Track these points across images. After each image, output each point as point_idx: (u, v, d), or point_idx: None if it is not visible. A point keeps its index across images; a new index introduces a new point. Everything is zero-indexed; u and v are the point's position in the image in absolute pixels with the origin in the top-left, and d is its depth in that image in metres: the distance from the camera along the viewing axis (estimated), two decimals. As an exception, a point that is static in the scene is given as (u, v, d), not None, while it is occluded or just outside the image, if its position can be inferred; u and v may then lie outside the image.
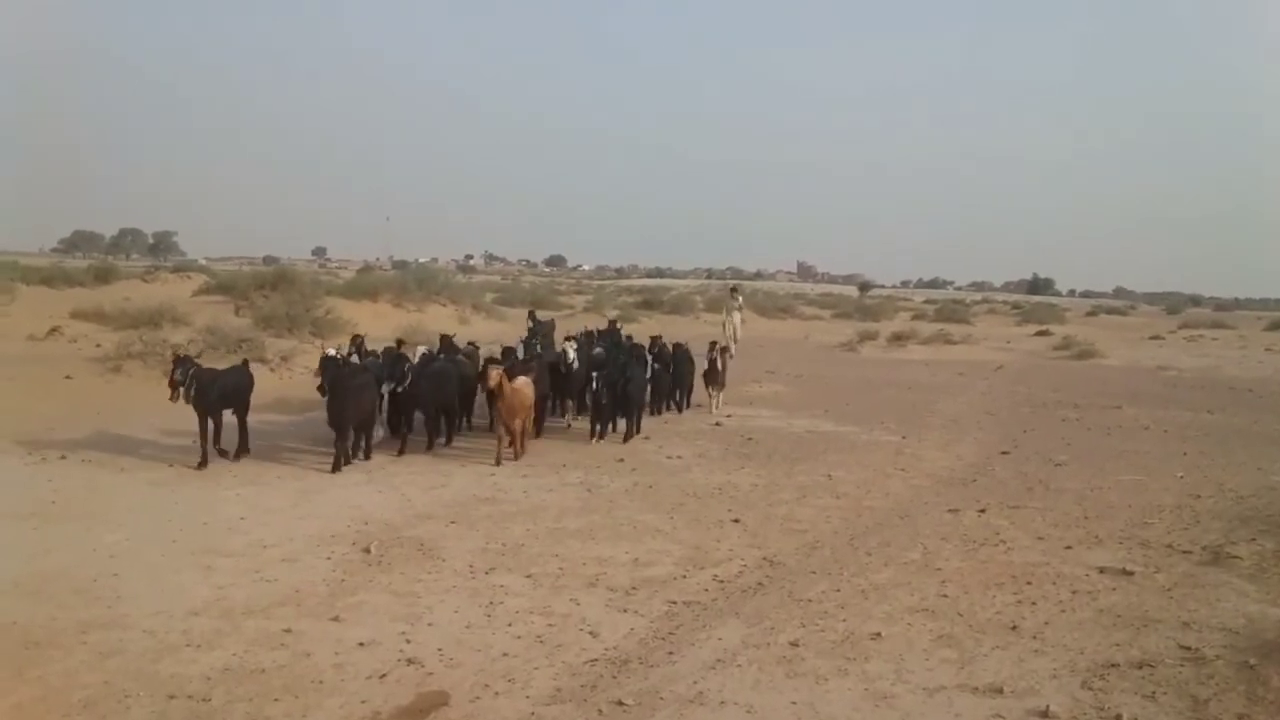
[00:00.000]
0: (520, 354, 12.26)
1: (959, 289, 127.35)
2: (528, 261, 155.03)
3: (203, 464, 9.05)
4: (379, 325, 20.85)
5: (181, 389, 9.03)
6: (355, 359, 10.73)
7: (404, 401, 10.35)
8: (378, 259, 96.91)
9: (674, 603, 5.87)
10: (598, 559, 6.68)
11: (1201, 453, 11.38)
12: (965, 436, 12.44)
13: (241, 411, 9.72)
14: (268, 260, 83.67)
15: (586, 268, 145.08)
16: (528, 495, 8.51)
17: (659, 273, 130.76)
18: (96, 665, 4.71)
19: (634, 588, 6.11)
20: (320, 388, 9.12)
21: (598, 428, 11.33)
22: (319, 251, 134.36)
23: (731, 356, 20.17)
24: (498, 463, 9.68)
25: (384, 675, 4.71)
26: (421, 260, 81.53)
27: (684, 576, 6.38)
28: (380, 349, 11.15)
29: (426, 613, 5.56)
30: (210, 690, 4.48)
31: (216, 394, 9.21)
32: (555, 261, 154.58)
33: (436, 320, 24.54)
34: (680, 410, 13.86)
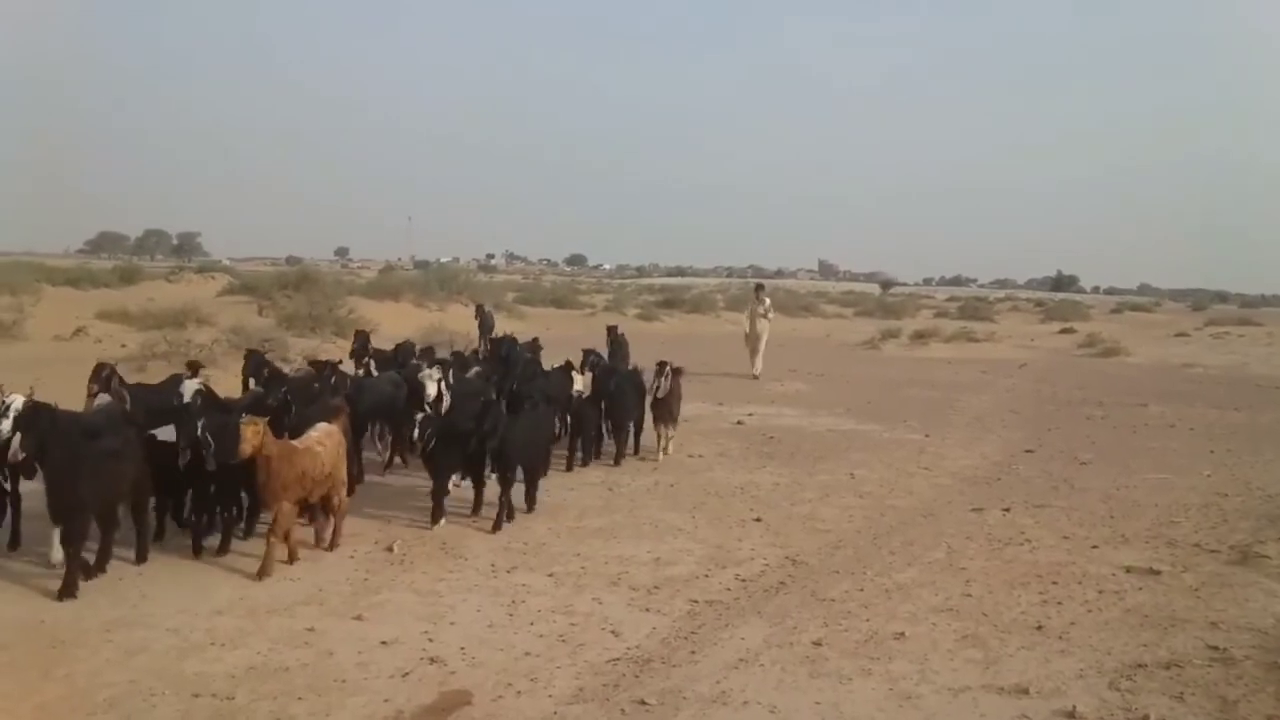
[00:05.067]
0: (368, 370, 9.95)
1: (982, 287, 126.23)
2: (549, 261, 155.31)
3: None
4: (401, 325, 20.99)
5: None
6: (102, 398, 7.06)
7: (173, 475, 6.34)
8: (399, 259, 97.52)
9: (696, 602, 5.85)
10: (619, 558, 6.68)
11: (1229, 451, 11.24)
12: (989, 435, 12.35)
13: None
14: (291, 260, 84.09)
15: (607, 267, 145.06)
16: (549, 494, 8.49)
17: (679, 271, 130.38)
18: (122, 664, 4.75)
19: (656, 587, 6.10)
20: (24, 459, 5.53)
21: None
22: (341, 252, 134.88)
23: (756, 376, 17.92)
24: (286, 561, 6.23)
25: (407, 674, 4.72)
26: (443, 260, 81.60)
27: (706, 576, 6.36)
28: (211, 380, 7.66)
29: (449, 612, 5.57)
30: (234, 689, 4.51)
31: None
32: (576, 260, 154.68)
33: (458, 320, 24.64)
34: (618, 461, 9.78)
